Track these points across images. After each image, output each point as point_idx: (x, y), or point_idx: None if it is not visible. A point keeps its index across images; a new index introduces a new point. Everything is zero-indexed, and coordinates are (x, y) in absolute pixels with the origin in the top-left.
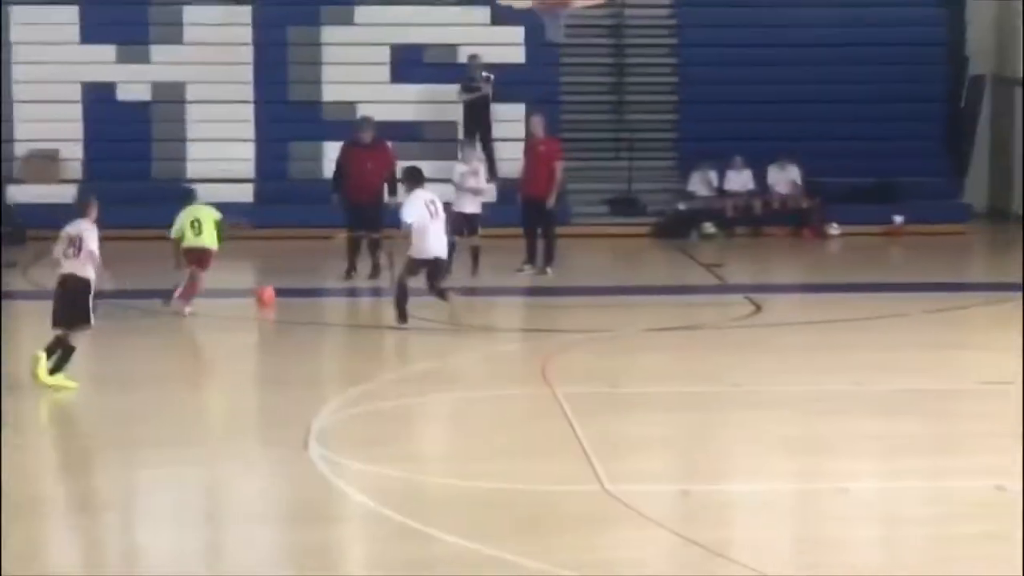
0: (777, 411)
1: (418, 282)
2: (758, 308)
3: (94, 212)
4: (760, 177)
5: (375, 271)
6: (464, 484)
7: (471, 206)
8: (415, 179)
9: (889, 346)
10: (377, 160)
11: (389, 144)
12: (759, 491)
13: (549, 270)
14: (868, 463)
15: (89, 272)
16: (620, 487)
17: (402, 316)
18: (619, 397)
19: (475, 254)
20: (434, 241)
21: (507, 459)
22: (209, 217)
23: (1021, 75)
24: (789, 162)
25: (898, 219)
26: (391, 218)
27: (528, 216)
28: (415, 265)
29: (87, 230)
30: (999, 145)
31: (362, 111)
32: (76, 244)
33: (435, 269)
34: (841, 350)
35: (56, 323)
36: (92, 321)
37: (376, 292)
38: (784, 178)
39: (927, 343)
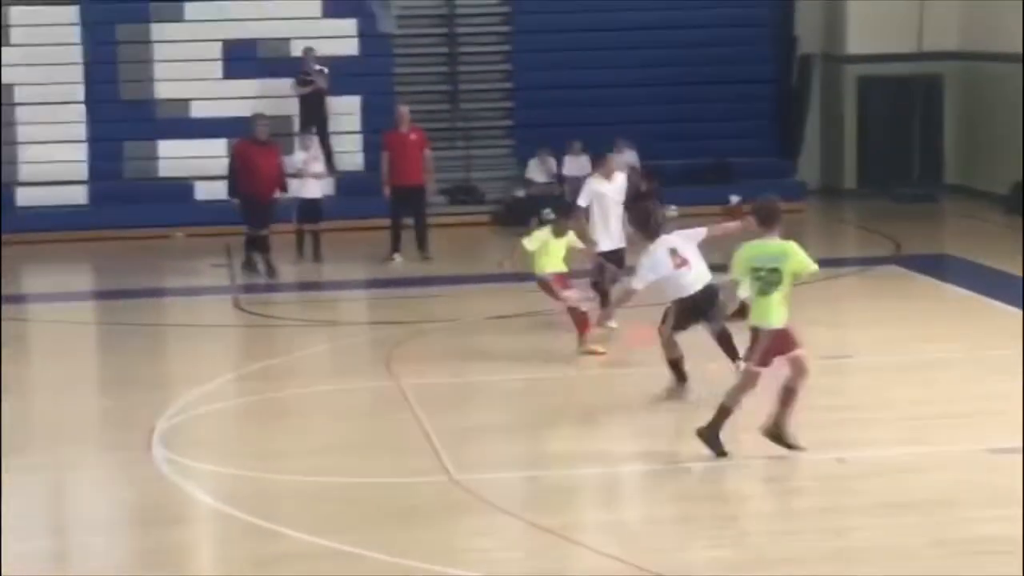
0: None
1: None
2: None
3: None
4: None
5: (271, 272)
6: (309, 480)
7: (314, 191)
8: None
9: None
10: (272, 157)
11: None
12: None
13: (428, 255)
14: None
15: None
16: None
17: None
18: (463, 386)
19: (317, 241)
20: None
21: (352, 453)
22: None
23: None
24: (626, 146)
25: (734, 198)
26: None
27: (398, 206)
28: None
29: None
30: (830, 123)
31: (196, 108)
32: None
33: None
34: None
35: None
36: None
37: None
38: (621, 161)
39: None
